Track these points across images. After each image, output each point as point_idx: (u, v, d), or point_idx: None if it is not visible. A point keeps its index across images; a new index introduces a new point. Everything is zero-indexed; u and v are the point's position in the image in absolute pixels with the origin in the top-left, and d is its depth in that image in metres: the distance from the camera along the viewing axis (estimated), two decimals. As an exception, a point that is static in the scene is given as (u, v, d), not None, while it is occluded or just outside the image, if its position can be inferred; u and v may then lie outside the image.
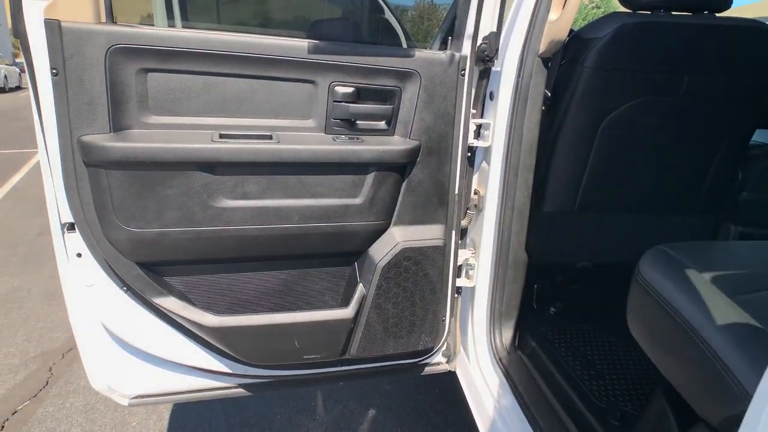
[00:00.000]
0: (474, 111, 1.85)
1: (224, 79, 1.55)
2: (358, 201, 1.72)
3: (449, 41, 1.75)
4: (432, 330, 1.93)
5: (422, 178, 1.79)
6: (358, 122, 1.72)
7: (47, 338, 3.54)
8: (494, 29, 1.70)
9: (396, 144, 1.71)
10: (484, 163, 1.97)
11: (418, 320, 1.88)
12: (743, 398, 1.04)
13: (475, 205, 2.03)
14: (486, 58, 1.76)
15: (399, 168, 1.75)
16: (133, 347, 1.73)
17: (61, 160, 1.45)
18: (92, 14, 1.42)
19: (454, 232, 1.88)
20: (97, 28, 1.39)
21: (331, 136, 1.69)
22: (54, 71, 1.37)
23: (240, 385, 1.89)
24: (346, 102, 1.66)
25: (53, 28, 1.34)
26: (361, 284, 1.79)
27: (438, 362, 2.13)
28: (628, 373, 1.99)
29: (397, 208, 1.80)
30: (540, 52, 1.77)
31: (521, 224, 1.94)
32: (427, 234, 1.84)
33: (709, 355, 1.14)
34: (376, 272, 1.77)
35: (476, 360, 2.06)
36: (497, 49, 1.75)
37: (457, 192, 1.85)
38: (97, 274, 1.61)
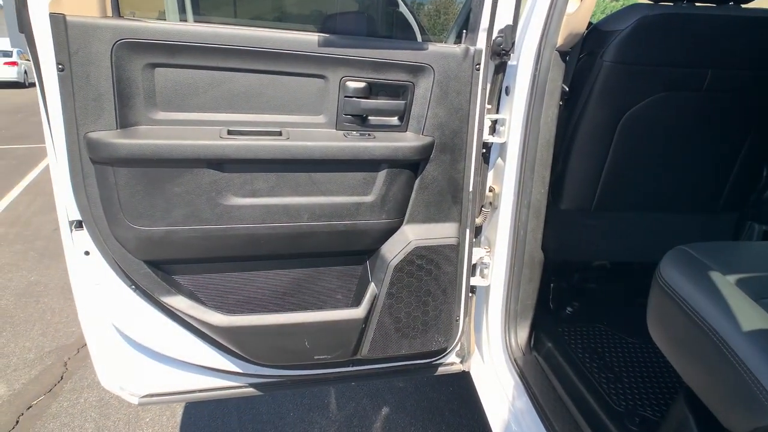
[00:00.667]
0: (489, 106, 1.80)
1: (232, 74, 1.52)
2: (369, 199, 1.68)
3: (464, 35, 1.70)
4: (445, 330, 1.89)
5: (435, 175, 1.75)
6: (369, 118, 1.68)
7: (63, 333, 3.57)
8: (510, 22, 1.65)
9: (409, 140, 1.67)
10: (499, 160, 1.92)
11: (431, 320, 1.84)
12: None
13: (490, 203, 1.98)
14: (502, 51, 1.71)
15: (412, 165, 1.70)
16: (143, 346, 1.71)
17: (67, 157, 1.43)
18: (98, 8, 1.39)
19: (468, 230, 1.84)
20: (103, 22, 1.37)
21: (342, 132, 1.65)
22: (60, 66, 1.35)
23: (251, 385, 1.87)
24: (357, 97, 1.62)
25: (58, 22, 1.32)
26: (372, 283, 1.76)
27: (452, 362, 2.09)
28: (648, 377, 1.93)
29: (409, 206, 1.76)
30: (558, 45, 1.71)
31: (537, 222, 1.89)
32: (441, 232, 1.80)
33: (735, 363, 1.09)
34: (388, 271, 1.73)
35: (490, 360, 2.02)
36: (513, 43, 1.70)
37: (471, 189, 1.80)
38: (106, 272, 1.59)
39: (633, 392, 1.87)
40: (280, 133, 1.57)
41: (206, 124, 1.54)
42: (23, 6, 1.29)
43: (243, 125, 1.56)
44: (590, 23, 2.04)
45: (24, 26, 1.32)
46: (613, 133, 1.93)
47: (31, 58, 1.38)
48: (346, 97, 1.61)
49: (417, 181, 1.74)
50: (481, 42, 1.68)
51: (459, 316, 1.93)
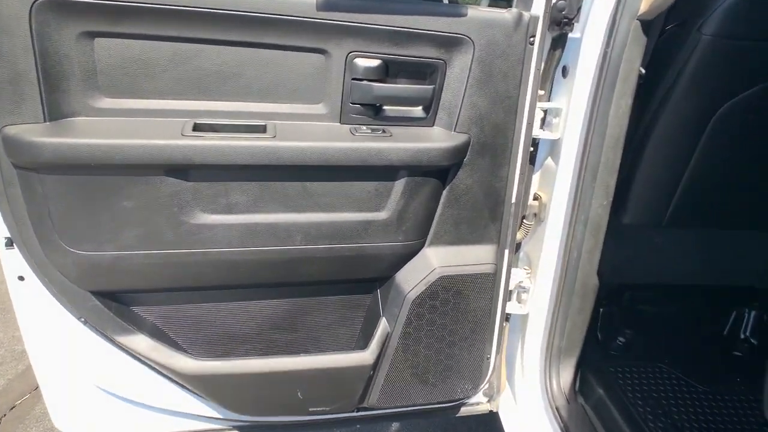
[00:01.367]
0: (542, 92, 1.38)
1: (201, 48, 1.13)
2: (383, 216, 1.30)
3: None
4: (472, 375, 1.52)
5: (470, 183, 1.35)
6: (385, 108, 1.28)
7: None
8: None
9: (437, 139, 1.26)
10: (549, 160, 1.50)
11: (455, 364, 1.47)
12: None
13: (534, 214, 1.57)
14: (563, 20, 1.28)
15: (439, 172, 1.31)
16: (99, 387, 1.39)
17: None
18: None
19: (507, 252, 1.44)
20: None
21: (348, 127, 1.25)
22: None
23: (232, 428, 1.54)
24: (369, 80, 1.21)
25: None
26: (384, 319, 1.39)
27: (477, 402, 1.73)
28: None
29: (434, 224, 1.37)
30: (640, 12, 1.26)
31: (595, 242, 1.48)
32: (473, 257, 1.41)
33: None
34: (404, 305, 1.36)
35: (525, 404, 1.65)
36: (579, 8, 1.26)
37: (514, 201, 1.39)
38: (47, 301, 1.25)
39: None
40: (264, 129, 1.18)
41: (166, 116, 1.16)
42: None
43: (215, 117, 1.18)
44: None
45: None
46: (702, 130, 1.49)
47: None
48: (354, 79, 1.21)
49: (445, 192, 1.34)
50: (538, 5, 1.24)
51: (490, 354, 1.55)
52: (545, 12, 1.25)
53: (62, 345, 1.32)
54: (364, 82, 1.22)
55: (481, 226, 1.40)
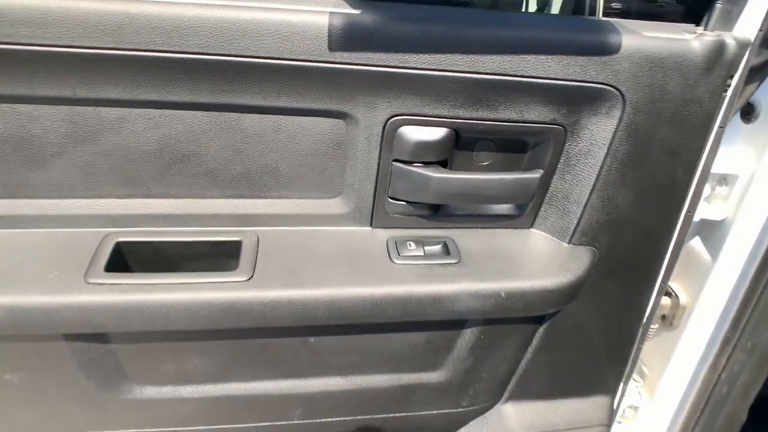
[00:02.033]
0: None
1: (129, 114, 0.62)
2: (437, 377, 0.80)
3: (711, 14, 0.67)
4: None
5: (584, 318, 0.82)
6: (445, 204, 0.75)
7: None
8: None
9: (536, 265, 0.73)
10: (700, 245, 0.96)
11: None
12: None
13: (664, 316, 1.05)
14: None
15: (536, 317, 0.78)
16: None
17: None
18: None
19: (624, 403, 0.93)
20: None
21: (384, 236, 0.73)
22: None
23: None
24: (423, 163, 0.68)
25: None
26: None
27: None
28: None
29: (518, 374, 0.86)
30: None
31: (760, 374, 0.97)
32: (579, 417, 0.90)
33: None
34: None
35: None
36: None
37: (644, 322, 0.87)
38: None
39: None
40: (237, 247, 0.68)
41: (70, 225, 0.68)
42: None
43: (154, 223, 0.69)
44: None
45: None
46: None
47: None
48: (396, 161, 0.68)
49: (542, 332, 0.82)
50: (753, 25, 0.66)
51: None
52: (760, 31, 0.66)
53: None
54: (415, 167, 0.68)
55: (593, 373, 0.88)
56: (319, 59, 0.59)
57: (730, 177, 0.91)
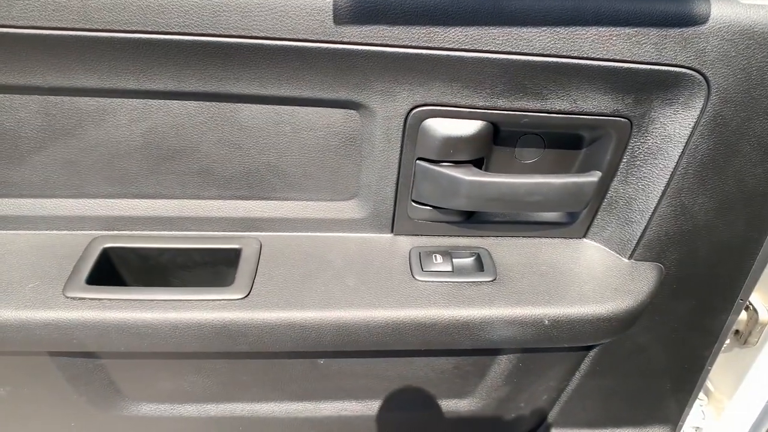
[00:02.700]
0: None
1: (110, 103, 0.54)
2: (467, 405, 0.69)
3: None
4: None
5: (645, 342, 0.70)
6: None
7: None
8: None
9: (588, 285, 0.61)
10: None
11: None
12: None
13: (738, 331, 0.91)
14: None
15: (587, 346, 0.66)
16: None
17: None
18: None
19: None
20: None
21: (407, 244, 0.63)
22: None
23: None
24: (453, 162, 0.57)
25: None
26: None
27: None
28: None
29: (563, 400, 0.74)
30: None
31: None
32: None
33: None
34: None
35: None
36: None
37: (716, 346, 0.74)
38: None
39: None
40: (236, 256, 0.60)
41: (54, 227, 0.61)
42: None
43: (144, 226, 0.61)
44: None
45: None
46: None
47: None
48: (420, 159, 0.57)
49: (592, 356, 0.70)
50: None
51: None
52: None
53: None
54: (443, 167, 0.57)
55: (652, 401, 0.76)
56: (324, 38, 0.48)
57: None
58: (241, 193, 0.60)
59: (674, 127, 0.54)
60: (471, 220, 0.63)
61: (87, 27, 0.47)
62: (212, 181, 0.59)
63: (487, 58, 0.50)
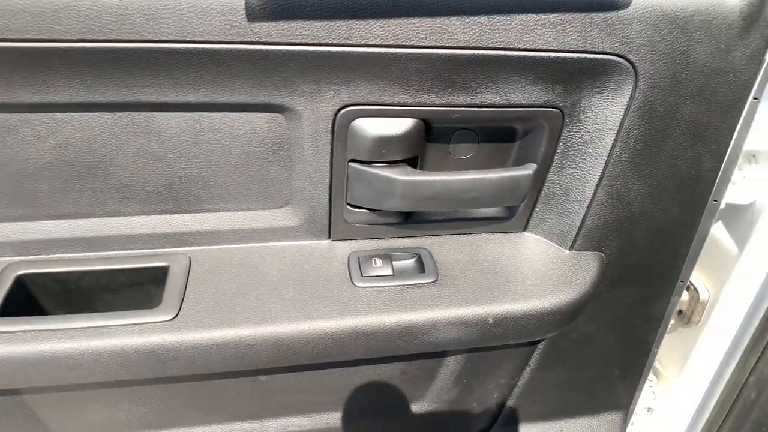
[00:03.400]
0: None
1: (11, 119, 0.49)
2: (418, 408, 0.68)
3: None
4: None
5: (592, 331, 0.70)
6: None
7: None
8: None
9: (530, 282, 0.60)
10: (723, 232, 0.83)
11: None
12: None
13: (680, 311, 0.94)
14: None
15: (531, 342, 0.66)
16: None
17: None
18: None
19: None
20: None
21: (348, 252, 0.61)
22: None
23: None
24: (386, 163, 0.55)
25: None
26: None
27: None
28: None
29: (515, 394, 0.74)
30: None
31: None
32: None
33: None
34: None
35: None
36: None
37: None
38: None
39: None
40: (162, 279, 0.56)
41: None
42: None
43: (60, 248, 0.57)
44: None
45: None
46: None
47: None
48: (353, 161, 0.55)
49: (541, 350, 0.69)
50: None
51: None
52: None
53: None
54: (376, 168, 0.55)
55: (603, 389, 0.77)
56: (238, 39, 0.45)
57: (760, 154, 0.78)
58: (165, 207, 0.57)
59: (605, 115, 0.54)
60: (409, 220, 0.62)
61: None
62: (133, 196, 0.55)
63: (411, 53, 0.48)
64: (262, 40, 0.46)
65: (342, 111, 0.52)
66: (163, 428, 0.65)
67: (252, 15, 0.45)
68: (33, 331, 0.51)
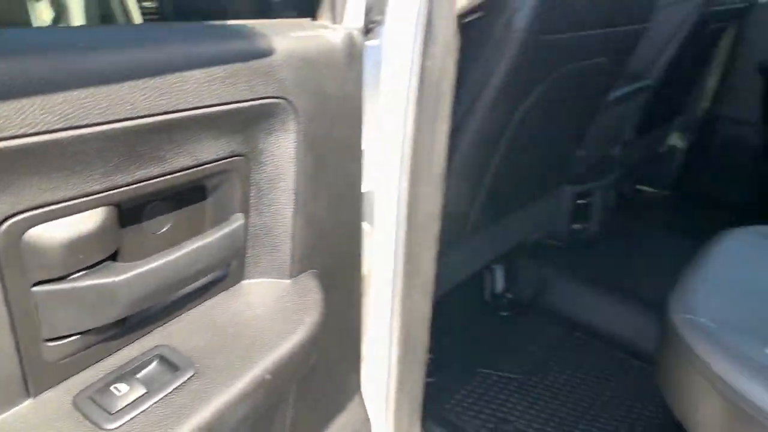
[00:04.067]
0: None
1: None
2: None
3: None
4: None
5: (321, 342, 0.75)
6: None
7: None
8: None
9: (272, 328, 0.60)
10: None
11: None
12: None
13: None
14: (370, 25, 0.77)
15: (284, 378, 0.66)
16: None
17: None
18: None
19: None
20: None
21: (69, 400, 0.46)
22: None
23: None
24: (84, 268, 0.44)
25: None
26: None
27: None
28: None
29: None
30: (459, 9, 0.86)
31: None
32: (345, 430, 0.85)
33: None
34: None
35: None
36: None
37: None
38: None
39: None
40: None
41: None
42: None
43: None
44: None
45: None
46: (505, 131, 1.26)
47: None
48: (40, 284, 0.42)
49: (295, 389, 0.71)
50: (357, 12, 0.69)
51: None
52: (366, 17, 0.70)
53: None
54: (80, 279, 0.44)
55: (342, 389, 0.84)
56: None
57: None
58: None
59: (281, 152, 0.59)
60: (129, 322, 0.51)
61: None
62: None
63: (88, 133, 0.40)
64: None
65: (5, 224, 0.38)
66: None
67: None
68: None
